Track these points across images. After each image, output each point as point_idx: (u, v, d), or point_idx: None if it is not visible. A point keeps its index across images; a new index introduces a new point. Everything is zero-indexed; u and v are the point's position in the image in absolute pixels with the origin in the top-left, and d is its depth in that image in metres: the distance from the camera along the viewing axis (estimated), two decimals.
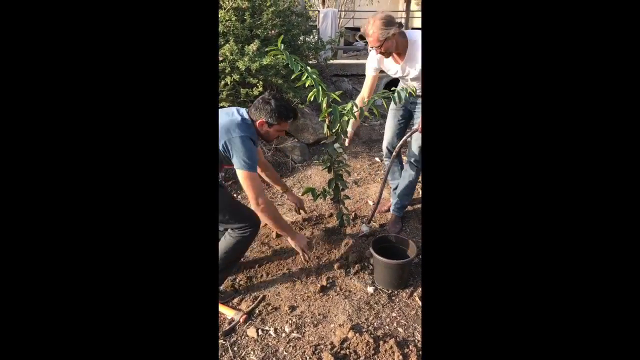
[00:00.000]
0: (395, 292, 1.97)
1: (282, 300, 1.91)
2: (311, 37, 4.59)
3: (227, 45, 3.16)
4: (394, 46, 2.00)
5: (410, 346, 1.64)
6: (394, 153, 2.39)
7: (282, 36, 1.90)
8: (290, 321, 1.78)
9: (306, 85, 1.91)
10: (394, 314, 1.84)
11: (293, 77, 1.89)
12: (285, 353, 1.63)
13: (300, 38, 4.10)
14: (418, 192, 2.80)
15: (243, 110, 1.85)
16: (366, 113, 2.19)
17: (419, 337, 1.70)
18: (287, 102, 1.92)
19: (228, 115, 1.80)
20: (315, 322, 1.78)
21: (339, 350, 1.60)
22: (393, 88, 2.17)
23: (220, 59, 3.13)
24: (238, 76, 3.14)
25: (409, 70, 2.12)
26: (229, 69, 3.15)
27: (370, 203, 2.88)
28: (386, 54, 2.05)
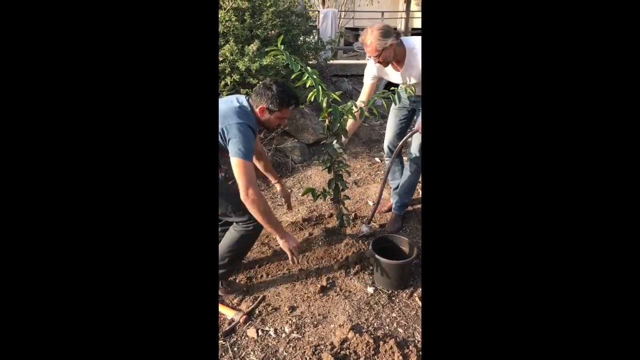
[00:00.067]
0: (395, 292, 1.97)
1: (282, 300, 1.91)
2: (311, 37, 4.60)
3: (227, 45, 3.16)
4: (392, 55, 2.02)
5: (410, 346, 1.64)
6: (394, 152, 2.40)
7: (282, 36, 1.89)
8: (290, 321, 1.78)
9: (307, 85, 1.91)
10: (394, 315, 1.84)
11: (293, 77, 1.89)
12: (285, 353, 1.62)
13: (300, 38, 4.10)
14: (418, 192, 2.80)
15: (242, 98, 1.81)
16: (366, 113, 2.19)
17: (419, 337, 1.70)
18: (289, 88, 1.81)
19: (227, 103, 1.76)
20: (315, 322, 1.78)
21: (339, 351, 1.60)
22: (393, 88, 2.17)
23: (220, 59, 3.13)
24: (238, 76, 3.14)
25: (408, 78, 2.13)
26: (229, 69, 3.15)
27: (370, 203, 2.88)
28: (384, 63, 2.06)
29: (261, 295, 1.93)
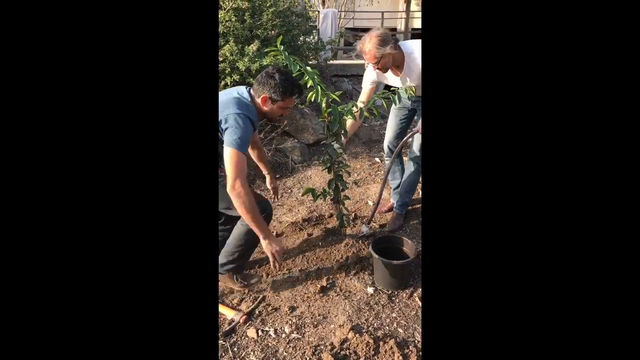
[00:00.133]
0: (395, 292, 1.97)
1: (282, 300, 1.91)
2: (311, 37, 4.60)
3: (227, 45, 3.16)
4: (391, 61, 2.02)
5: (410, 347, 1.64)
6: (395, 153, 2.40)
7: (281, 37, 1.89)
8: (290, 322, 1.78)
9: (307, 85, 1.91)
10: (394, 315, 1.84)
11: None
12: (285, 354, 1.62)
13: (300, 38, 4.10)
14: (418, 192, 2.80)
15: (243, 89, 1.75)
16: (366, 113, 2.19)
17: (418, 337, 1.70)
18: (292, 76, 1.74)
19: (227, 94, 1.72)
20: (315, 322, 1.78)
21: (339, 351, 1.60)
22: (393, 88, 2.17)
23: (220, 59, 3.13)
24: (238, 77, 3.14)
25: (408, 82, 2.14)
26: (229, 69, 3.15)
27: (370, 203, 2.88)
28: (384, 69, 2.07)
29: (261, 296, 1.93)
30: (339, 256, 2.18)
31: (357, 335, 1.66)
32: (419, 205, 2.73)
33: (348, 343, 1.63)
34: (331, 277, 2.06)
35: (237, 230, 1.85)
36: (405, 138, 2.38)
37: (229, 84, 3.13)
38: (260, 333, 1.73)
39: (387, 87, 2.35)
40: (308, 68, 1.90)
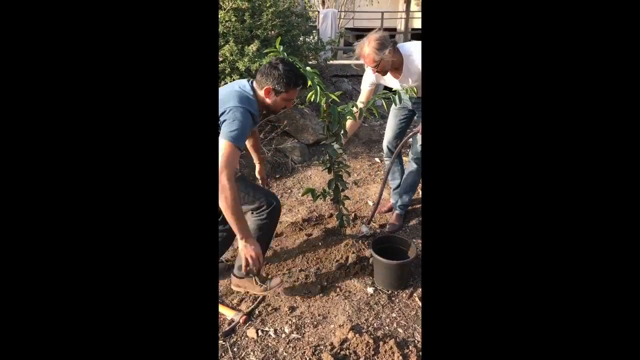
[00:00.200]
0: (395, 292, 1.97)
1: (281, 300, 1.91)
2: (311, 37, 4.60)
3: (227, 45, 3.16)
4: (390, 64, 2.02)
5: (410, 347, 1.64)
6: (394, 154, 2.40)
7: (280, 37, 1.90)
8: (290, 322, 1.78)
9: (307, 85, 1.91)
10: (393, 315, 1.84)
11: None
12: (285, 354, 1.62)
13: (300, 39, 4.10)
14: (418, 192, 2.80)
15: (244, 82, 1.71)
16: (366, 114, 2.19)
17: (418, 337, 1.70)
18: (296, 67, 1.70)
19: (228, 88, 1.68)
20: (315, 322, 1.78)
21: (338, 351, 1.60)
22: (394, 89, 2.18)
23: (220, 59, 3.14)
24: (238, 77, 3.14)
25: (406, 83, 2.14)
26: (229, 69, 3.15)
27: (370, 203, 2.88)
28: (383, 72, 2.07)
29: (261, 296, 1.93)
30: (339, 256, 2.18)
31: (357, 335, 1.66)
32: (419, 205, 2.73)
33: (348, 343, 1.63)
34: (331, 277, 2.06)
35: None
36: (405, 138, 2.39)
37: (228, 84, 3.13)
38: (260, 333, 1.73)
39: (387, 87, 2.35)
40: (308, 68, 1.90)
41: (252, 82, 1.71)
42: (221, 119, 1.58)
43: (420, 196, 2.80)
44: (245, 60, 3.09)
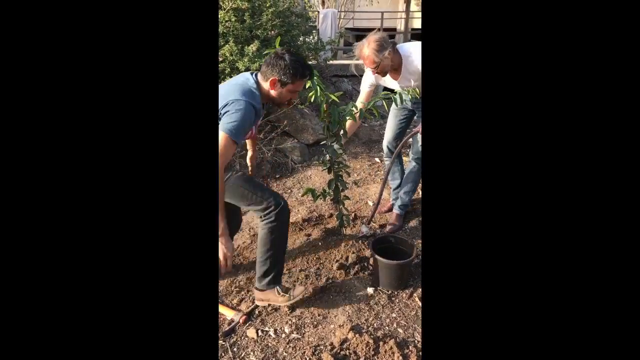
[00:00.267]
0: (395, 292, 1.97)
1: None
2: (311, 37, 4.60)
3: (227, 46, 3.16)
4: (389, 65, 2.02)
5: (410, 347, 1.64)
6: (394, 154, 2.40)
7: (280, 38, 1.89)
8: (290, 322, 1.78)
9: (306, 86, 1.91)
10: (393, 315, 1.84)
11: None
12: (285, 354, 1.62)
13: (300, 39, 4.10)
14: (418, 192, 2.80)
15: (248, 75, 1.65)
16: (366, 114, 2.19)
17: (418, 337, 1.70)
18: (303, 58, 1.64)
19: (231, 82, 1.64)
20: (315, 322, 1.78)
21: (338, 351, 1.60)
22: (396, 90, 2.18)
23: (220, 59, 3.14)
24: None
25: (405, 84, 2.14)
26: (229, 69, 3.15)
27: (370, 204, 2.88)
28: (382, 73, 2.07)
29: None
30: (339, 256, 2.18)
31: (357, 335, 1.66)
32: (419, 206, 2.73)
33: (348, 343, 1.63)
34: (331, 277, 2.06)
35: (261, 236, 1.74)
36: (405, 138, 2.39)
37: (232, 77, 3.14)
38: (260, 333, 1.73)
39: (386, 88, 2.36)
40: None
41: (256, 75, 1.66)
42: (222, 111, 1.54)
43: (420, 196, 2.80)
44: (245, 60, 3.09)
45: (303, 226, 2.55)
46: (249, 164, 2.22)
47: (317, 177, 3.35)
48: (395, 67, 2.07)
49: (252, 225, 2.56)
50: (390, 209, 2.67)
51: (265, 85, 1.62)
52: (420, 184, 2.65)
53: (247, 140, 2.14)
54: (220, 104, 1.53)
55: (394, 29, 9.91)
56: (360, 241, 2.30)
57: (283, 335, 1.71)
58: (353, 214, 2.65)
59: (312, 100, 1.91)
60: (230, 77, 3.12)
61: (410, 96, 2.06)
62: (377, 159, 3.70)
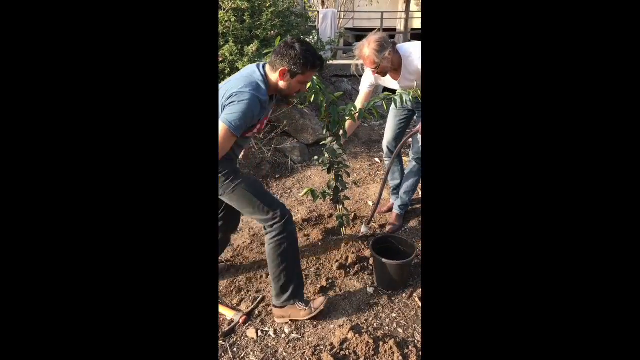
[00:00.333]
0: (395, 292, 1.97)
1: None
2: (311, 37, 4.60)
3: (227, 46, 3.16)
4: (389, 65, 2.02)
5: (410, 347, 1.64)
6: (394, 154, 2.40)
7: (279, 38, 1.89)
8: (289, 322, 1.78)
9: (307, 86, 1.91)
10: (393, 315, 1.84)
11: None
12: (285, 354, 1.62)
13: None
14: (418, 192, 2.80)
15: (254, 67, 1.59)
16: (366, 114, 2.19)
17: (418, 337, 1.70)
18: (313, 47, 1.56)
19: (237, 74, 1.60)
20: (315, 322, 1.78)
21: (338, 351, 1.60)
22: (397, 92, 2.18)
23: (220, 59, 3.13)
24: None
25: (406, 84, 2.14)
26: (229, 69, 3.15)
27: (370, 204, 2.88)
28: (382, 73, 2.07)
29: (261, 296, 1.93)
30: (339, 256, 2.18)
31: (357, 335, 1.66)
32: (419, 205, 2.73)
33: (348, 343, 1.63)
34: (331, 277, 2.06)
35: (269, 251, 1.68)
36: (405, 138, 2.39)
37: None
38: (259, 333, 1.73)
39: (386, 88, 2.35)
40: None
41: (263, 66, 1.60)
42: (226, 103, 1.50)
43: (420, 196, 2.80)
44: (245, 60, 3.09)
45: (303, 226, 2.55)
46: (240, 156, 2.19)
47: (317, 177, 3.35)
48: (395, 67, 2.07)
49: (251, 225, 2.56)
50: (390, 209, 2.66)
51: (274, 76, 1.56)
52: (420, 184, 2.65)
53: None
54: (225, 96, 1.50)
55: (394, 29, 9.91)
56: (360, 241, 2.30)
57: (283, 335, 1.71)
58: (353, 214, 2.65)
59: (312, 100, 1.91)
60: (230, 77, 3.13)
61: (411, 97, 2.06)
62: (377, 159, 3.70)
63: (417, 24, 9.30)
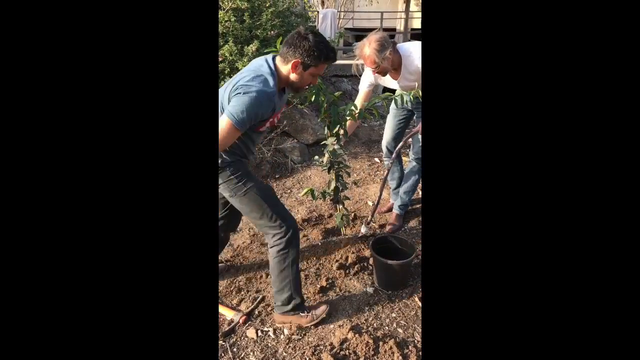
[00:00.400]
0: (395, 292, 1.97)
1: None
2: None
3: (227, 46, 3.16)
4: (390, 65, 2.01)
5: (409, 347, 1.64)
6: (394, 154, 2.40)
7: (281, 38, 1.89)
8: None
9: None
10: (393, 315, 1.84)
11: None
12: (284, 354, 1.62)
13: None
14: (418, 192, 2.80)
15: (262, 61, 1.53)
16: (366, 114, 2.20)
17: (418, 337, 1.70)
18: (326, 39, 1.51)
19: (247, 67, 1.53)
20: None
21: (338, 351, 1.60)
22: (398, 92, 2.18)
23: (220, 59, 3.13)
24: None
25: (406, 84, 2.14)
26: (228, 69, 3.15)
27: (370, 204, 2.88)
28: (383, 73, 2.07)
29: (261, 296, 1.93)
30: (339, 256, 2.18)
31: (357, 335, 1.66)
32: (419, 205, 2.73)
33: (348, 343, 1.63)
34: (330, 277, 2.06)
35: (273, 264, 1.67)
36: (405, 138, 2.39)
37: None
38: (259, 333, 1.73)
39: (386, 88, 2.35)
40: None
41: (273, 58, 1.53)
42: (232, 95, 1.44)
43: (420, 196, 2.81)
44: (245, 60, 3.09)
45: (303, 226, 2.55)
46: None
47: (317, 177, 3.35)
48: (395, 66, 2.07)
49: (251, 225, 2.56)
50: (390, 209, 2.66)
51: (285, 68, 1.49)
52: (420, 184, 2.65)
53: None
54: (231, 89, 1.46)
55: (394, 29, 9.91)
56: (360, 241, 2.30)
57: (282, 336, 1.71)
58: (353, 214, 2.65)
59: (312, 100, 1.91)
60: (230, 77, 3.12)
61: (412, 97, 2.06)
62: (376, 159, 3.70)
63: (417, 24, 9.30)
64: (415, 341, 1.68)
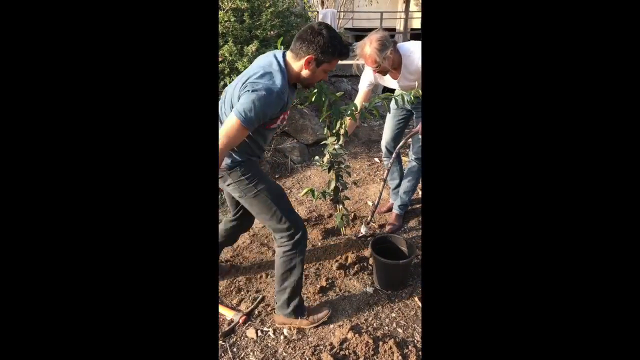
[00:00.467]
0: (395, 292, 1.97)
1: None
2: None
3: (226, 46, 3.16)
4: (390, 64, 2.01)
5: (409, 347, 1.64)
6: (393, 154, 2.40)
7: (282, 38, 1.89)
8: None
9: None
10: (393, 315, 1.84)
11: None
12: (284, 354, 1.62)
13: None
14: (418, 192, 2.80)
15: (271, 58, 1.48)
16: (366, 114, 2.20)
17: (418, 337, 1.70)
18: (339, 34, 1.47)
19: (254, 63, 1.51)
20: None
21: (338, 351, 1.60)
22: (397, 93, 2.18)
23: (220, 59, 3.13)
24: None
25: (406, 83, 2.14)
26: (228, 69, 3.15)
27: (370, 204, 2.88)
28: (383, 73, 2.06)
29: (260, 296, 1.93)
30: (339, 256, 2.18)
31: (357, 335, 1.66)
32: (418, 205, 2.74)
33: (347, 343, 1.63)
34: (330, 277, 2.06)
35: (279, 264, 1.67)
36: (405, 138, 2.39)
37: (228, 84, 3.13)
38: (259, 333, 1.73)
39: (385, 88, 2.35)
40: None
41: (283, 54, 1.50)
42: (240, 92, 1.40)
43: (420, 196, 2.81)
44: (245, 60, 3.09)
45: None
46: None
47: (317, 177, 3.35)
48: (395, 66, 2.07)
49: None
50: (389, 209, 2.67)
51: (297, 64, 1.46)
52: (420, 184, 2.65)
53: None
54: (240, 85, 1.42)
55: (393, 29, 9.91)
56: (360, 241, 2.30)
57: (282, 336, 1.71)
58: (353, 214, 2.65)
59: (312, 100, 1.91)
60: (230, 77, 3.12)
61: (412, 97, 2.06)
62: (376, 159, 3.70)
63: (416, 24, 9.30)
64: (415, 341, 1.68)
